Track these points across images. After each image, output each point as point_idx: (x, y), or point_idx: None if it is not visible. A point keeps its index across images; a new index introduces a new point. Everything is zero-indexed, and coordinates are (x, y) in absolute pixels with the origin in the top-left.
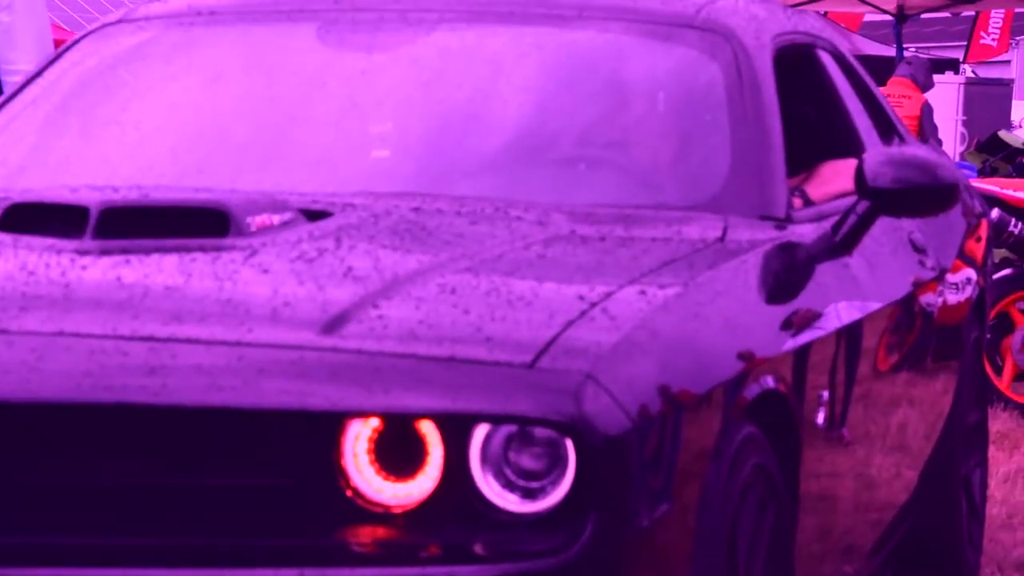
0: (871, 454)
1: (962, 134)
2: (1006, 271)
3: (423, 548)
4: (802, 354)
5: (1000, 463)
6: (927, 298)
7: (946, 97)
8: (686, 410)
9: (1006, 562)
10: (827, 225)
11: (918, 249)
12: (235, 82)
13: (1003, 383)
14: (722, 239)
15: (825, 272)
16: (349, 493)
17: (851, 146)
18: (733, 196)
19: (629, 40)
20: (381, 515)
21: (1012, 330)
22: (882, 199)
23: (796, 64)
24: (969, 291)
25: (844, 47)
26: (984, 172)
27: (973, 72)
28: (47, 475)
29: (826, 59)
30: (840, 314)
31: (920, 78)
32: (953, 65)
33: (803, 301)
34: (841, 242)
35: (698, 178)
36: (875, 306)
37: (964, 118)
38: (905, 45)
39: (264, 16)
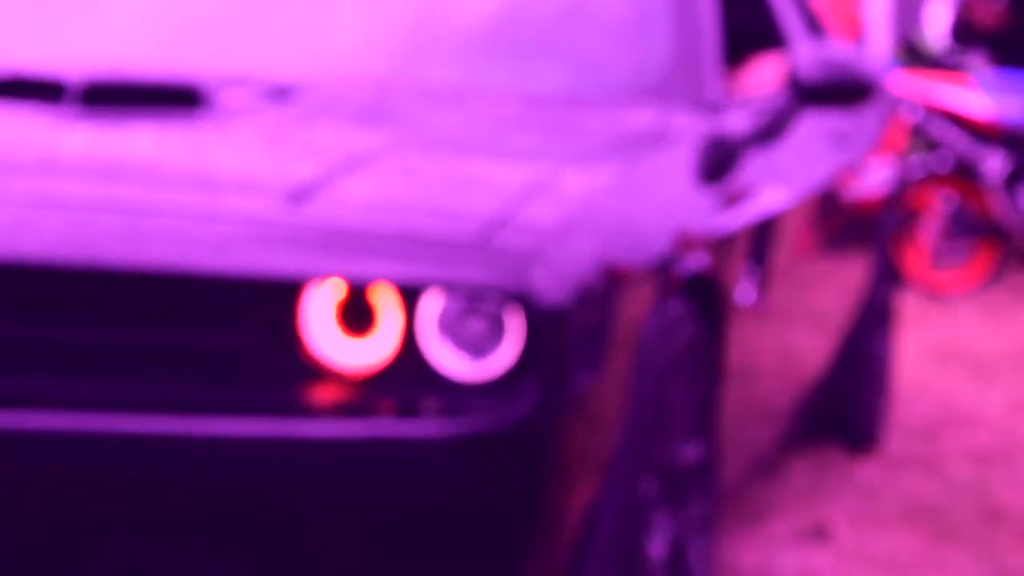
0: (792, 330)
1: (894, 31)
2: (924, 163)
3: (375, 407)
4: (731, 235)
5: (912, 342)
6: (847, 186)
7: None
8: (623, 285)
9: (908, 429)
10: (758, 115)
11: (841, 140)
12: None
13: (917, 268)
14: (658, 125)
15: (755, 159)
16: (308, 355)
17: (778, 41)
18: (669, 84)
19: None
20: (337, 377)
21: (927, 218)
22: (808, 93)
23: None
24: (886, 181)
25: None
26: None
27: None
28: (26, 328)
29: None
30: (768, 199)
31: None
32: None
33: (734, 186)
34: (770, 131)
35: (640, 68)
36: (800, 192)
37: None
38: None
39: None
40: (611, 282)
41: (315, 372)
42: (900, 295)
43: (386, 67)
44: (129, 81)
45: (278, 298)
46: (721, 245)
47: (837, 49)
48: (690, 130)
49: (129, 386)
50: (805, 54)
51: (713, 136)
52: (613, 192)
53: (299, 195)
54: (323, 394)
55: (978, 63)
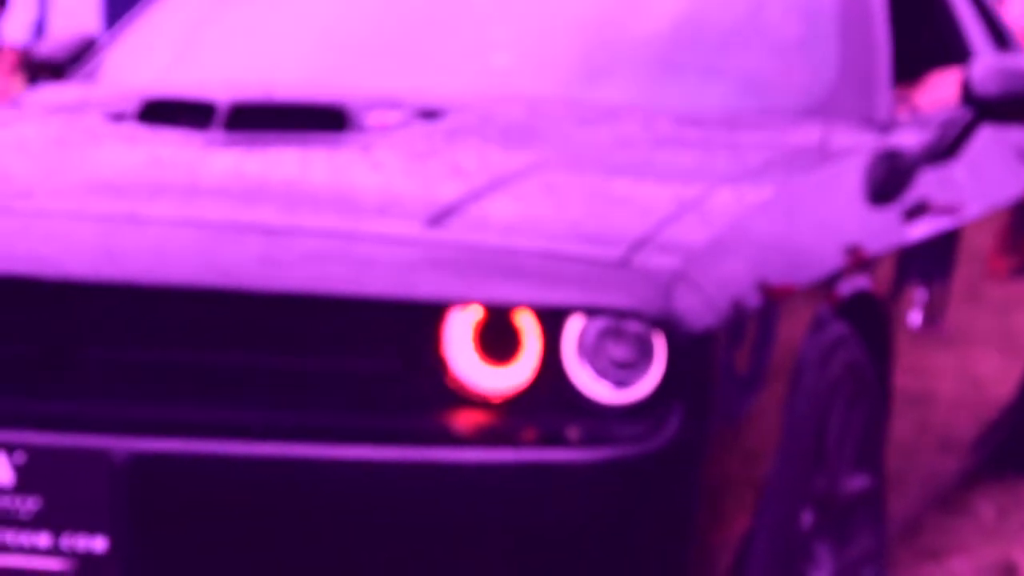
0: (972, 354)
1: None
2: None
3: (518, 433)
4: (898, 256)
5: None
6: None
7: None
8: (776, 308)
9: None
10: (931, 132)
11: None
12: None
13: None
14: (823, 143)
15: (926, 177)
16: (450, 380)
17: (961, 56)
18: (837, 101)
19: None
20: (479, 402)
21: None
22: (986, 108)
23: None
24: None
25: None
26: None
27: None
28: (168, 353)
29: None
30: (940, 218)
31: None
32: None
33: (902, 205)
34: (944, 149)
35: (804, 83)
36: (977, 212)
37: None
38: None
39: None
40: (764, 302)
41: (458, 397)
42: None
43: (545, 89)
44: (276, 103)
45: (420, 322)
46: (889, 264)
47: (1019, 62)
48: (857, 147)
49: (268, 411)
50: (986, 67)
51: (882, 153)
52: (768, 210)
53: (442, 216)
54: (466, 419)
55: None
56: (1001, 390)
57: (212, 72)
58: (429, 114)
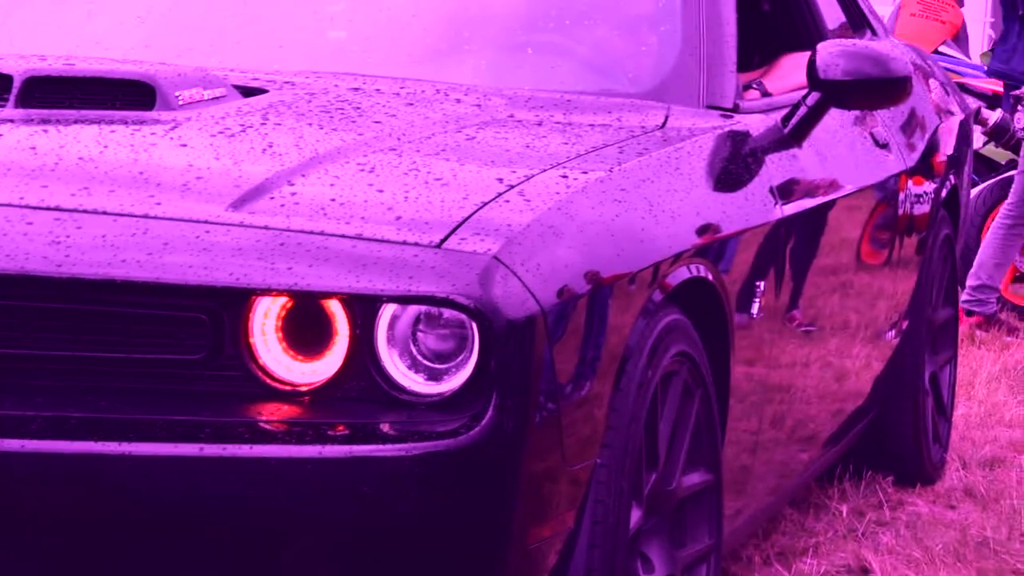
0: (820, 345)
1: (990, 36)
2: (1008, 174)
3: (328, 427)
4: (736, 242)
5: (988, 363)
6: (885, 193)
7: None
8: (601, 295)
9: (972, 459)
10: (777, 116)
11: (879, 144)
12: None
13: (1001, 285)
14: (662, 127)
15: (770, 163)
16: (256, 370)
17: (815, 40)
18: (679, 85)
19: None
20: (287, 393)
21: None
22: (832, 90)
23: None
24: (937, 188)
25: None
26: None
27: None
28: None
29: None
30: (782, 205)
31: None
32: None
33: (742, 190)
34: (789, 133)
35: (645, 66)
36: (823, 199)
37: (992, 20)
38: None
39: None
40: (590, 288)
41: (263, 389)
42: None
43: (382, 67)
44: (77, 75)
45: (222, 309)
46: (723, 252)
47: (868, 45)
48: (699, 131)
49: (58, 405)
50: (832, 50)
51: (722, 137)
52: (598, 193)
53: (248, 198)
54: (274, 412)
55: None
56: (856, 383)
57: (24, 45)
58: (249, 91)
